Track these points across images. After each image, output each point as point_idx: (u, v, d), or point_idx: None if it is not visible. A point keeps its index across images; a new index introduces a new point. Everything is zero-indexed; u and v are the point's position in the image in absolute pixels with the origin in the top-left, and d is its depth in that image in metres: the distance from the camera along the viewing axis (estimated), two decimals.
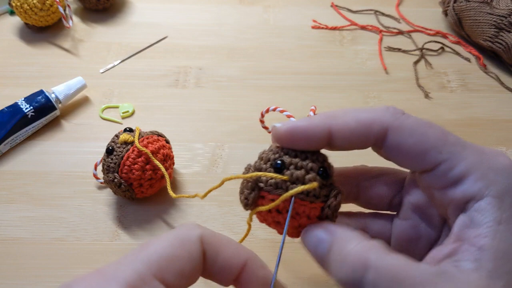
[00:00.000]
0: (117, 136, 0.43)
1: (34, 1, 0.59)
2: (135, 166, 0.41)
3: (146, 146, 0.42)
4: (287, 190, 0.26)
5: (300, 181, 0.26)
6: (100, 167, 0.45)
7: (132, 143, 0.42)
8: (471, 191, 0.24)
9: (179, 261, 0.23)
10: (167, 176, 0.41)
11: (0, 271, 0.40)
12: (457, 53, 0.63)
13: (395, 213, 0.31)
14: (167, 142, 0.45)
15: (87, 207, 0.45)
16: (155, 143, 0.43)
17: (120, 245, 0.42)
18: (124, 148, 0.42)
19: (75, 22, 0.66)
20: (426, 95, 0.57)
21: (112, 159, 0.42)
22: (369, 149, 0.28)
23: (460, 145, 0.25)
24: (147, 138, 0.43)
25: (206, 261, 0.24)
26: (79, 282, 0.21)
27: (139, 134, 0.43)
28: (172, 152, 0.45)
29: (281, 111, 0.30)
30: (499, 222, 0.22)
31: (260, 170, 0.27)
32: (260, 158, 0.28)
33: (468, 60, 0.62)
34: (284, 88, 0.58)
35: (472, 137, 0.52)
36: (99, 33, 0.65)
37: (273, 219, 0.27)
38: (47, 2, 0.60)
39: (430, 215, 0.28)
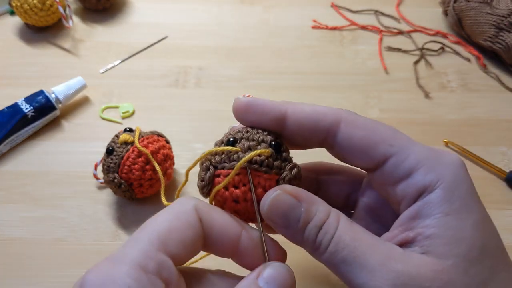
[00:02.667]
0: (117, 136, 0.43)
1: (34, 1, 0.59)
2: (135, 166, 0.41)
3: (146, 146, 0.42)
4: (239, 160, 0.26)
5: (252, 150, 0.26)
6: (100, 167, 0.45)
7: (132, 143, 0.42)
8: (422, 183, 0.24)
9: (179, 231, 0.24)
10: (162, 181, 0.41)
11: (0, 271, 0.40)
12: (457, 53, 0.63)
13: (352, 211, 0.31)
14: (167, 142, 0.45)
15: (87, 207, 0.45)
16: (155, 143, 0.43)
17: (120, 245, 0.42)
18: (124, 148, 0.42)
19: (75, 22, 0.66)
20: (426, 95, 0.57)
21: (112, 159, 0.42)
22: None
23: (409, 140, 0.26)
24: (147, 138, 0.43)
25: (203, 230, 0.25)
26: (92, 271, 0.22)
27: (139, 134, 0.43)
28: (172, 152, 0.45)
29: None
30: (447, 214, 0.24)
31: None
32: (215, 144, 0.28)
33: (468, 60, 0.62)
34: (284, 88, 0.58)
35: (472, 137, 0.52)
36: (99, 33, 0.64)
37: (231, 196, 0.27)
38: (47, 2, 0.60)
39: (383, 217, 0.29)
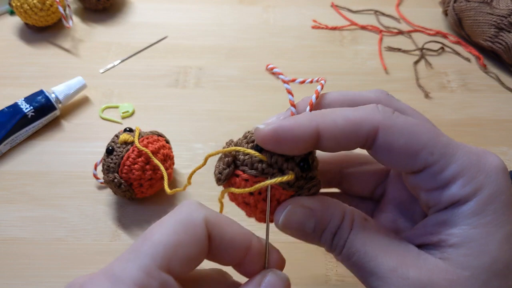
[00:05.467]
0: (117, 136, 0.43)
1: (34, 1, 0.59)
2: (135, 166, 0.41)
3: (146, 146, 0.42)
4: (262, 171, 0.25)
5: (277, 166, 0.25)
6: (100, 167, 0.45)
7: (132, 143, 0.42)
8: (457, 196, 0.23)
9: (185, 247, 0.22)
10: (165, 174, 0.41)
11: (0, 271, 0.40)
12: (457, 53, 0.63)
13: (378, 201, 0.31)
14: (167, 142, 0.45)
15: (87, 207, 0.45)
16: (155, 143, 0.43)
17: (120, 245, 0.42)
18: (124, 148, 0.42)
19: (75, 22, 0.66)
20: (426, 95, 0.57)
21: (112, 159, 0.42)
22: None
23: (452, 146, 0.24)
24: (147, 138, 0.43)
25: (211, 243, 0.24)
26: (87, 284, 0.20)
27: (139, 134, 0.43)
28: (172, 152, 0.45)
29: (278, 73, 0.29)
30: (475, 227, 0.23)
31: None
32: (245, 137, 0.27)
33: (468, 60, 0.62)
34: (284, 88, 0.57)
35: (472, 137, 0.52)
36: (99, 33, 0.64)
37: (243, 199, 0.26)
38: (47, 2, 0.60)
39: (411, 212, 0.28)
